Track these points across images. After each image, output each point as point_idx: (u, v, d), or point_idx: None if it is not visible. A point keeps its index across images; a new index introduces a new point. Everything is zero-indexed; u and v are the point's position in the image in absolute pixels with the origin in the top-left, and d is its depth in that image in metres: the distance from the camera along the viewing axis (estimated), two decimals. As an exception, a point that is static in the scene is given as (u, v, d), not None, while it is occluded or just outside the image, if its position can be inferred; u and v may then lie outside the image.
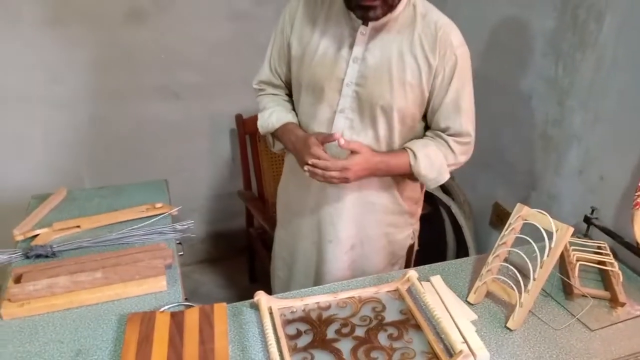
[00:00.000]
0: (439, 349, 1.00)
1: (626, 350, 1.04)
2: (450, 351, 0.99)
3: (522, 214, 1.15)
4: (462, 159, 1.28)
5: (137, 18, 1.94)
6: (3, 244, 1.36)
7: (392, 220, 1.40)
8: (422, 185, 1.42)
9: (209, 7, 2.02)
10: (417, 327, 1.06)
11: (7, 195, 2.02)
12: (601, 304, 1.17)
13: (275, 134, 1.35)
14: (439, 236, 2.11)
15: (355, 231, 1.37)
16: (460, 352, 0.95)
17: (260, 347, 1.01)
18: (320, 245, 1.40)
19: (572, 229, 1.08)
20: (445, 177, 1.28)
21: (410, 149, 1.24)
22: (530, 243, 1.11)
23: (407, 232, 1.46)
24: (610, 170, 1.34)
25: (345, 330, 1.05)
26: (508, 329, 1.08)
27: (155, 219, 1.41)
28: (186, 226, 1.37)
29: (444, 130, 1.25)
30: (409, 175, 1.27)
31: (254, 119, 1.43)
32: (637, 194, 1.22)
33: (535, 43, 1.53)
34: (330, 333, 1.04)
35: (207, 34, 2.05)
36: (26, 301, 1.07)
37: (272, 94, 1.38)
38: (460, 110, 1.23)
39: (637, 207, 1.21)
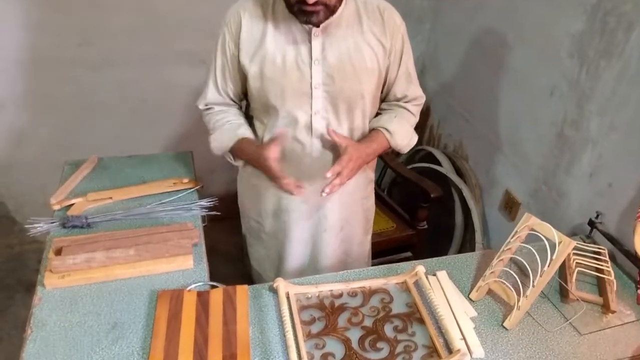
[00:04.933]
0: (439, 344, 1.09)
1: (610, 356, 1.12)
2: (449, 347, 1.09)
3: (528, 224, 1.21)
4: (418, 115, 1.44)
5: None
6: (37, 200, 1.45)
7: (365, 192, 1.52)
8: None
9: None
10: (421, 320, 1.15)
11: (39, 155, 2.12)
12: (594, 308, 1.25)
13: (232, 152, 1.37)
14: (449, 216, 2.18)
15: (343, 214, 1.47)
16: (458, 350, 1.05)
17: (278, 331, 1.11)
18: (315, 238, 1.48)
19: (574, 243, 1.15)
20: (415, 139, 1.42)
21: (382, 127, 1.35)
22: (534, 247, 1.19)
23: (373, 197, 1.58)
24: (619, 178, 1.39)
25: (355, 319, 1.15)
26: (504, 327, 1.17)
27: (182, 194, 1.49)
28: (211, 203, 1.46)
29: (400, 99, 1.39)
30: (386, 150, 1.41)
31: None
32: (641, 207, 1.27)
33: (562, 43, 1.53)
34: (341, 321, 1.14)
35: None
36: (66, 273, 1.18)
37: (220, 111, 1.36)
38: (412, 79, 1.37)
39: (640, 219, 1.27)
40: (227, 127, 1.34)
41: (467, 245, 2.14)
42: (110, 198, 1.45)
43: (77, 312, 1.11)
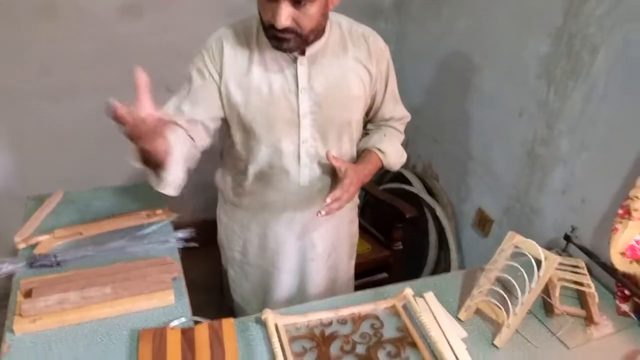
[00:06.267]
0: (434, 368, 1.08)
1: (600, 368, 1.15)
2: (444, 370, 1.08)
3: (513, 242, 1.23)
4: (404, 133, 1.47)
5: (132, 12, 1.91)
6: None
7: (351, 217, 1.52)
8: None
9: (206, 2, 1.99)
10: (413, 344, 1.14)
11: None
12: (577, 321, 1.27)
13: None
14: (421, 235, 2.20)
15: (330, 241, 1.45)
16: (455, 374, 1.04)
17: (269, 365, 1.07)
18: (303, 268, 1.45)
19: (559, 258, 1.17)
20: (405, 157, 1.44)
21: (375, 148, 1.35)
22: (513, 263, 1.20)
23: (357, 221, 1.58)
24: (592, 194, 1.43)
25: (347, 347, 1.12)
26: (494, 346, 1.17)
27: (156, 226, 1.43)
28: (188, 235, 1.40)
29: (387, 120, 1.41)
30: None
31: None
32: (615, 219, 1.31)
33: (530, 64, 1.58)
34: (334, 350, 1.11)
35: (203, 28, 2.03)
36: (37, 316, 1.10)
37: None
38: (397, 100, 1.40)
39: (615, 232, 1.31)
40: None
41: (441, 263, 2.16)
42: (80, 233, 1.37)
43: (52, 358, 1.03)
